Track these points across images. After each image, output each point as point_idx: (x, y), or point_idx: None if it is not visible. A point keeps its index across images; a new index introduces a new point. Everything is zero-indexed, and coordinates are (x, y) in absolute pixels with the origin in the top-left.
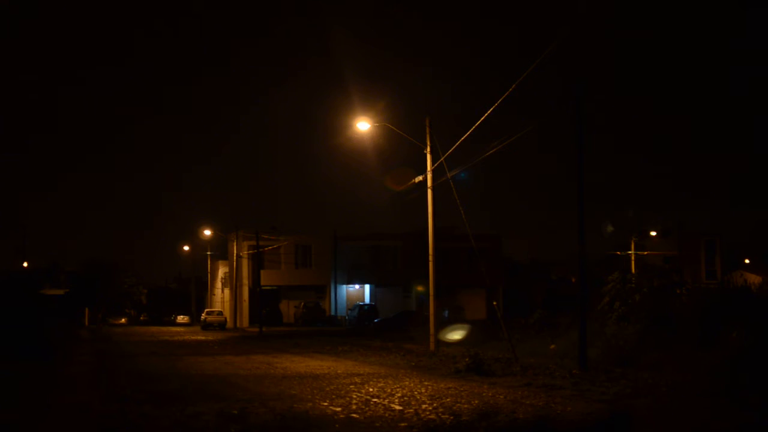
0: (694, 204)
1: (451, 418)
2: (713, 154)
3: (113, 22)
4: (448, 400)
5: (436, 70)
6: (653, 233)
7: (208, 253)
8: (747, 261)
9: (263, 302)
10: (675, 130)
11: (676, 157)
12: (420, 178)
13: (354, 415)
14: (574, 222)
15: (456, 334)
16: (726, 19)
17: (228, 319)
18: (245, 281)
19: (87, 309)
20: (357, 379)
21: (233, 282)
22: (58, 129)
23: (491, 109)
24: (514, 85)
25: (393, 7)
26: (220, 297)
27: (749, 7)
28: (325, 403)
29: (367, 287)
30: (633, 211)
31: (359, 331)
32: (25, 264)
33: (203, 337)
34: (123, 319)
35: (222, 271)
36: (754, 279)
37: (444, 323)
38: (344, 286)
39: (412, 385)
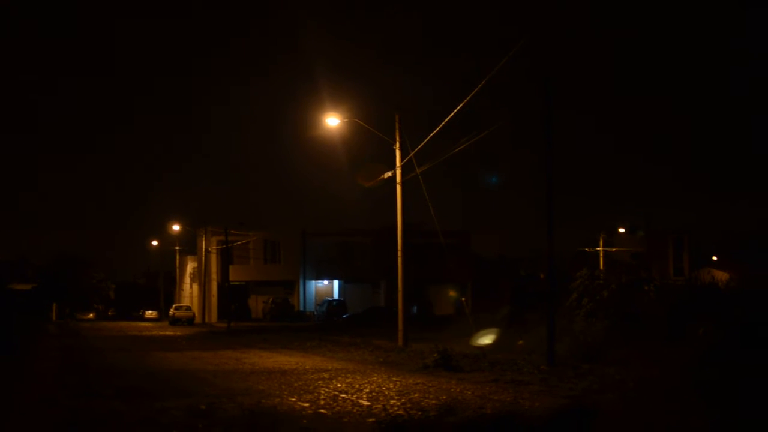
0: (663, 201)
1: (419, 413)
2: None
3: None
4: (416, 395)
5: (407, 67)
6: (622, 230)
7: (177, 248)
8: (715, 258)
9: (232, 297)
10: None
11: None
12: (389, 173)
13: (322, 411)
14: (544, 218)
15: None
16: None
17: (196, 315)
18: (214, 276)
19: (55, 304)
20: (325, 375)
21: (202, 277)
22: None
23: (460, 105)
24: (483, 82)
25: (363, 4)
26: (189, 292)
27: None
28: (293, 399)
29: (335, 283)
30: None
31: (328, 327)
32: None
33: (171, 333)
34: (91, 314)
35: (191, 266)
36: (721, 276)
37: (412, 319)
38: (313, 281)
39: (380, 380)
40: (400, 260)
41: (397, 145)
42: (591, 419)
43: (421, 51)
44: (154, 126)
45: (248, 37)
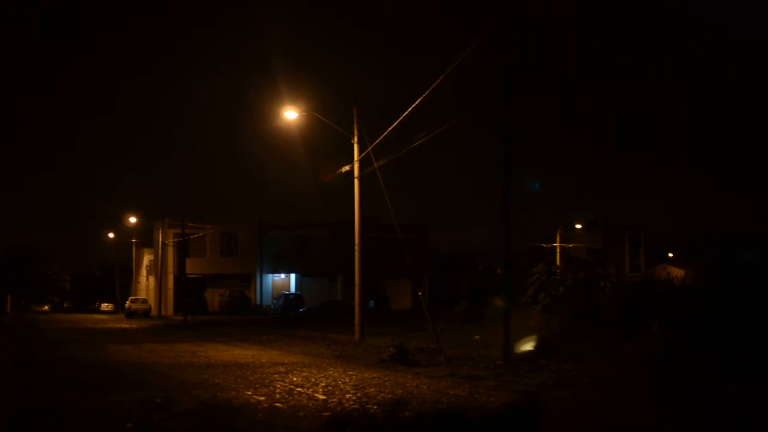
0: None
1: (375, 407)
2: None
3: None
4: (372, 389)
5: (366, 62)
6: (578, 226)
7: (133, 240)
8: (671, 255)
9: (188, 291)
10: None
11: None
12: (347, 167)
13: (278, 404)
14: (501, 214)
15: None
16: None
17: (153, 307)
18: (170, 269)
19: (9, 295)
20: (281, 368)
21: (158, 270)
22: None
23: (418, 100)
24: (440, 78)
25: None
26: (145, 285)
27: None
28: (249, 392)
29: (292, 276)
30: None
31: (284, 321)
32: None
33: (127, 325)
34: (46, 306)
35: (147, 258)
36: (677, 273)
37: (369, 313)
38: (270, 275)
39: (336, 374)
40: (357, 254)
41: (355, 139)
42: (540, 414)
43: (381, 46)
44: (113, 120)
45: (211, 29)
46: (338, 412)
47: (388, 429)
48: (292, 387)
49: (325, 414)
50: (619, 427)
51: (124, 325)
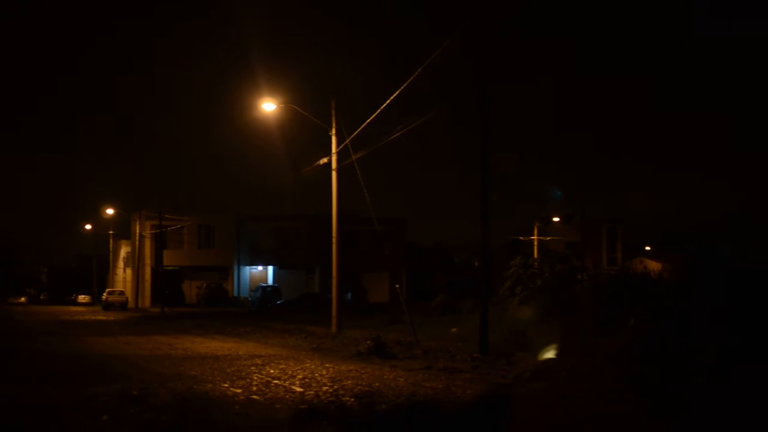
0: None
1: (352, 400)
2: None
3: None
4: (348, 382)
5: (345, 55)
6: (556, 219)
7: (111, 232)
8: (648, 248)
9: (165, 283)
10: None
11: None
12: (325, 160)
13: (254, 397)
14: (479, 206)
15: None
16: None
17: (130, 299)
18: (148, 261)
19: None
20: (258, 361)
21: (135, 262)
22: None
23: (395, 93)
24: (417, 72)
25: None
26: (122, 277)
27: None
28: (226, 385)
29: (270, 269)
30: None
31: (262, 313)
32: None
33: (104, 317)
34: (22, 299)
35: (124, 250)
36: (654, 266)
37: (347, 306)
38: (247, 267)
39: (313, 367)
40: (334, 247)
41: (333, 131)
42: (511, 406)
43: (361, 39)
44: (90, 110)
45: (190, 23)
46: (314, 404)
47: (363, 421)
48: (269, 379)
49: (302, 407)
50: (593, 420)
51: (101, 317)
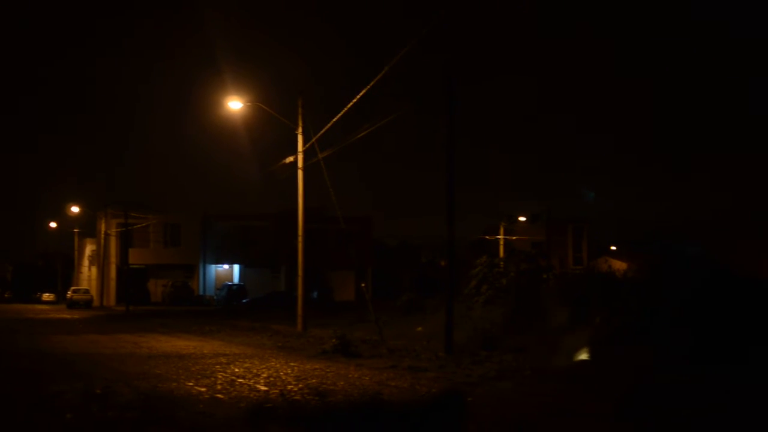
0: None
1: (317, 398)
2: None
3: None
4: (313, 381)
5: (312, 54)
6: (522, 218)
7: (76, 230)
8: (613, 248)
9: (131, 281)
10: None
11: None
12: (291, 158)
13: (219, 396)
14: (445, 205)
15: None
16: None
17: (95, 298)
18: (113, 259)
19: None
20: (223, 359)
21: (101, 260)
22: None
23: (361, 93)
24: (385, 69)
25: None
26: (88, 275)
27: None
28: (190, 383)
29: (236, 267)
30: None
31: (227, 311)
32: None
33: (69, 316)
34: None
35: (90, 248)
36: (619, 265)
37: (312, 304)
38: (213, 265)
39: (278, 365)
40: (300, 245)
41: (300, 129)
42: (463, 403)
43: (327, 40)
44: (57, 107)
45: (156, 21)
46: (280, 403)
47: (319, 418)
48: (234, 378)
49: (267, 405)
50: (557, 417)
51: (65, 316)
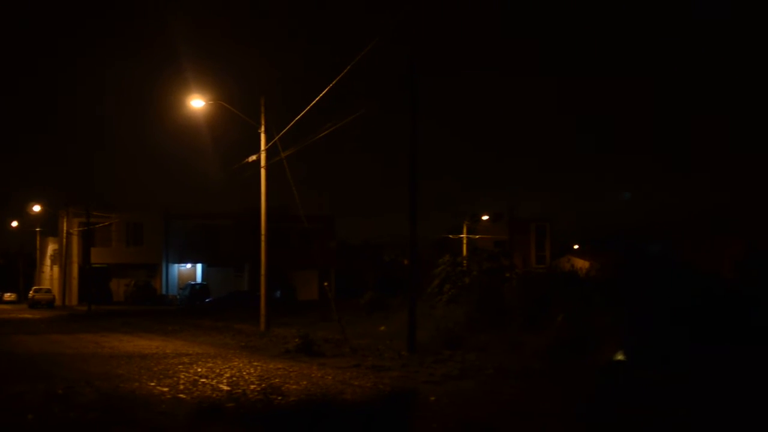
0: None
1: (279, 398)
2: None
3: None
4: (276, 380)
5: (277, 54)
6: (485, 217)
7: (37, 229)
8: (576, 247)
9: (93, 280)
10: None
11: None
12: (254, 157)
13: (181, 395)
14: (408, 204)
15: (619, 356)
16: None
17: (57, 297)
18: (75, 259)
19: None
20: (186, 359)
21: (63, 259)
22: None
23: (323, 91)
24: (345, 70)
25: None
26: (49, 274)
27: None
28: (153, 383)
29: (199, 266)
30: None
31: (190, 311)
32: None
33: (30, 315)
34: None
35: (51, 247)
36: (581, 264)
37: (275, 303)
38: (176, 265)
39: (241, 365)
40: (263, 244)
41: (263, 128)
42: (415, 401)
43: (290, 38)
44: (16, 104)
45: (119, 20)
46: (243, 403)
47: (264, 417)
48: (197, 378)
49: (230, 405)
50: (519, 416)
51: (27, 315)
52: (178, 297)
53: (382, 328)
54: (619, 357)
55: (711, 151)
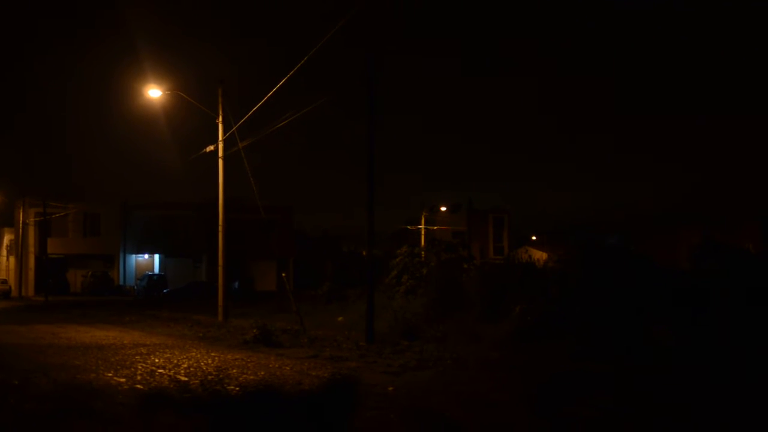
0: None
1: (237, 389)
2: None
3: None
4: (234, 371)
5: (235, 45)
6: (443, 208)
7: None
8: (534, 238)
9: (50, 271)
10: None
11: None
12: (211, 147)
13: (138, 386)
14: (365, 195)
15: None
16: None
17: (13, 288)
18: (31, 249)
19: None
20: (143, 350)
21: (19, 250)
22: None
23: (281, 82)
24: (303, 60)
25: None
26: (5, 265)
27: None
28: (110, 374)
29: (156, 257)
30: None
31: (148, 302)
32: None
33: None
34: None
35: (8, 238)
36: (539, 255)
37: (234, 294)
38: (134, 255)
39: (198, 356)
40: (221, 235)
41: (220, 119)
42: (357, 389)
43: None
44: None
45: (77, 9)
46: (200, 393)
47: (210, 405)
48: (154, 368)
49: (187, 396)
50: (474, 405)
51: None
52: (135, 288)
53: (340, 318)
54: (575, 347)
55: (682, 146)
